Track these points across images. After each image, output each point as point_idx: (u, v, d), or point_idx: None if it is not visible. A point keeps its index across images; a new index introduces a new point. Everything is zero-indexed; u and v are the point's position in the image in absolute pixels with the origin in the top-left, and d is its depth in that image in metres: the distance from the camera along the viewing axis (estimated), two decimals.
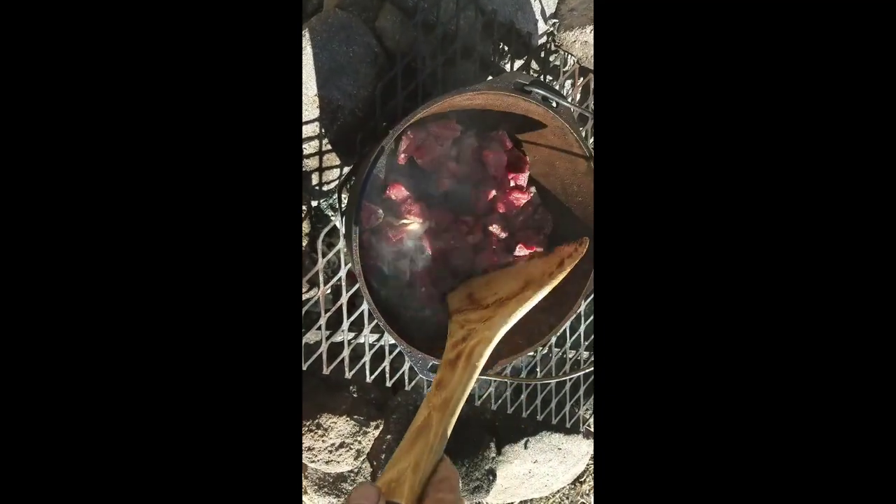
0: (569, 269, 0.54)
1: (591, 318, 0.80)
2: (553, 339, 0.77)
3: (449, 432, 0.39)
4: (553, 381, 0.80)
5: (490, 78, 0.68)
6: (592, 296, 0.80)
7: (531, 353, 0.77)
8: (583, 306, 0.78)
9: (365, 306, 0.67)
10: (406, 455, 0.36)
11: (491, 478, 0.80)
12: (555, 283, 0.54)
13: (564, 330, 0.78)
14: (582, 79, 0.75)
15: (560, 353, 0.79)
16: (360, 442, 0.70)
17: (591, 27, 0.73)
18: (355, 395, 0.72)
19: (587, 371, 0.76)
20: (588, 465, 1.07)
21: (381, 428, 0.73)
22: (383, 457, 0.73)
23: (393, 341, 0.69)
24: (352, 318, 0.66)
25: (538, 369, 0.80)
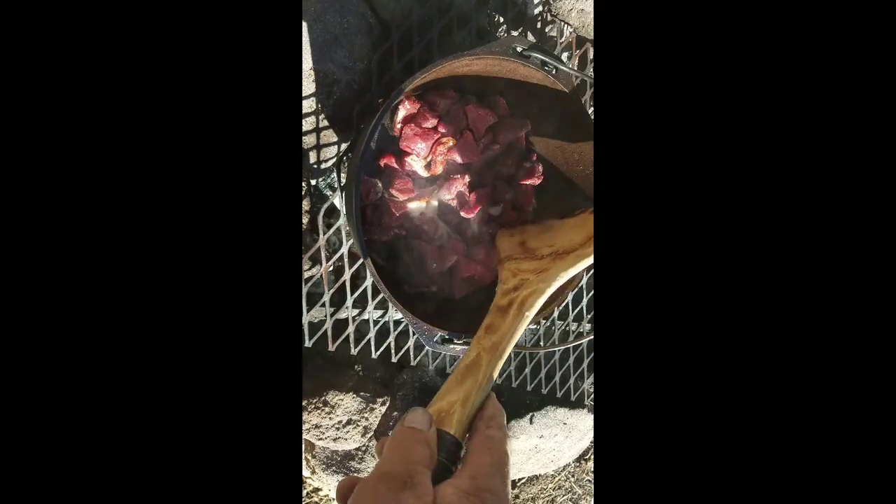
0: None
1: (592, 292, 0.80)
2: (556, 312, 0.77)
3: (496, 374, 0.39)
4: (557, 354, 0.80)
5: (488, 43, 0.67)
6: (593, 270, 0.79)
7: (534, 326, 0.77)
8: (584, 279, 0.78)
9: (368, 281, 0.66)
10: (456, 389, 0.36)
11: None
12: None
13: (567, 303, 0.78)
14: (579, 49, 0.74)
15: (563, 326, 0.79)
16: (366, 419, 0.70)
17: None
18: (361, 373, 0.72)
19: (589, 339, 0.75)
20: (592, 441, 1.08)
21: (387, 404, 0.73)
22: (390, 433, 0.73)
23: (397, 317, 0.69)
24: (355, 295, 0.66)
25: (542, 342, 0.80)
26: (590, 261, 0.49)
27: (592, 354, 0.84)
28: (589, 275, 0.79)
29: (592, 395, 0.88)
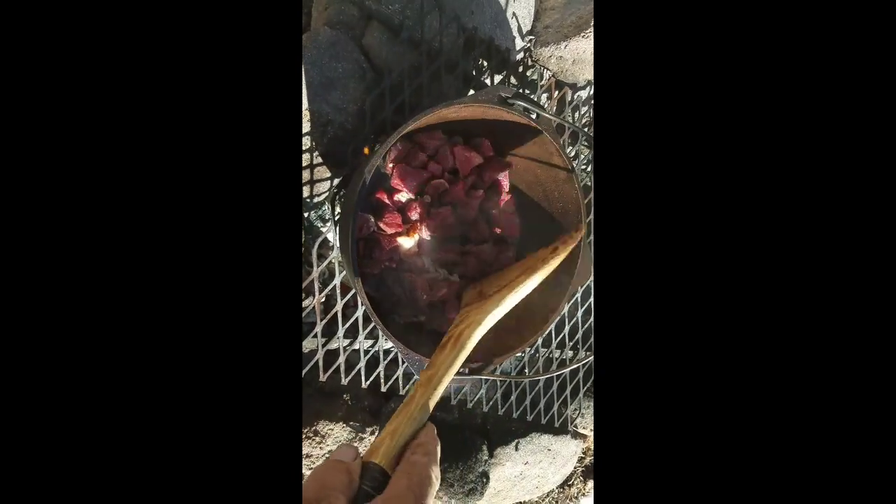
0: (563, 256, 0.57)
1: (574, 319, 0.83)
2: (539, 340, 0.80)
3: (431, 406, 0.41)
4: (541, 381, 0.83)
5: (474, 91, 0.72)
6: (576, 296, 0.83)
7: (519, 354, 0.80)
8: (566, 308, 0.81)
9: (359, 312, 0.68)
10: (388, 425, 0.38)
11: (484, 480, 0.81)
12: (549, 269, 0.57)
13: (550, 331, 0.81)
14: (558, 92, 0.79)
15: (547, 353, 0.82)
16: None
17: (565, 43, 0.77)
18: (350, 403, 0.73)
19: (572, 368, 0.78)
20: (575, 467, 1.09)
21: (376, 434, 0.74)
22: None
23: (387, 347, 0.71)
24: (346, 326, 0.68)
25: (526, 370, 0.83)
26: (526, 289, 0.55)
27: (576, 381, 0.87)
28: (571, 303, 0.82)
29: (575, 422, 0.91)
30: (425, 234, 0.65)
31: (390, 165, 0.64)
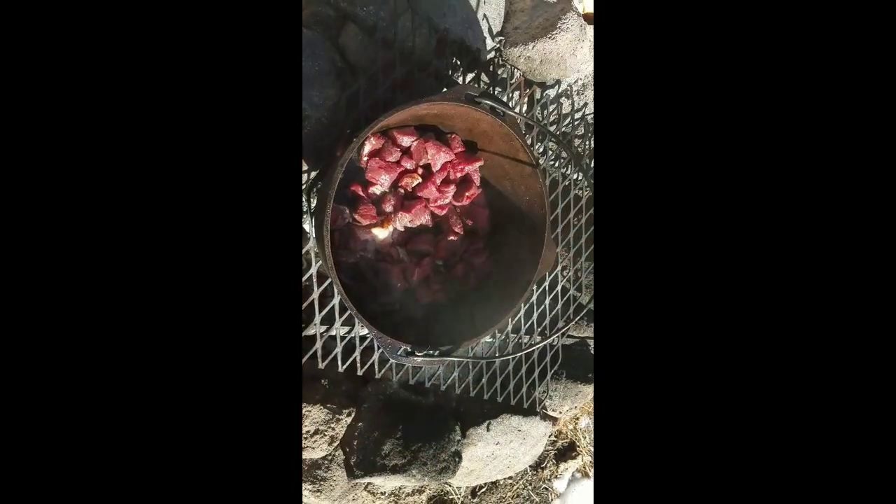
0: None
1: (542, 306, 0.88)
2: (510, 325, 0.84)
3: None
4: (511, 364, 0.87)
5: (445, 90, 0.75)
6: (544, 284, 0.88)
7: (490, 339, 0.84)
8: (535, 295, 0.86)
9: (336, 300, 0.71)
10: None
11: (457, 459, 0.86)
12: None
13: (520, 317, 0.85)
14: (527, 90, 0.83)
15: (517, 339, 0.86)
16: (333, 429, 0.75)
17: (533, 44, 0.81)
18: (327, 387, 0.77)
19: (539, 347, 0.83)
20: (547, 449, 1.15)
21: (353, 415, 0.78)
22: (355, 443, 0.78)
23: (363, 334, 0.75)
24: (323, 313, 0.71)
25: (497, 354, 0.87)
26: None
27: (543, 364, 0.92)
28: (539, 290, 0.87)
29: (543, 403, 0.96)
30: (399, 225, 0.69)
31: (365, 159, 0.67)
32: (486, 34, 0.82)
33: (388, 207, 0.68)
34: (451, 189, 0.70)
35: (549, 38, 0.81)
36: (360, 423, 0.78)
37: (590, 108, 0.95)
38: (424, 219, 0.69)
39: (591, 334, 1.05)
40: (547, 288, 0.88)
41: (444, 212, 0.70)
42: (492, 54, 0.83)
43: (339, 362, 0.72)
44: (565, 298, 0.91)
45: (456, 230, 0.70)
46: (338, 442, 0.77)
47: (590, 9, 0.97)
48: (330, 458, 0.78)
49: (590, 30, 0.89)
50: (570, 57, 0.84)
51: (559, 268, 0.89)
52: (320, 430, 0.74)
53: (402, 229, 0.69)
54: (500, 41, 0.84)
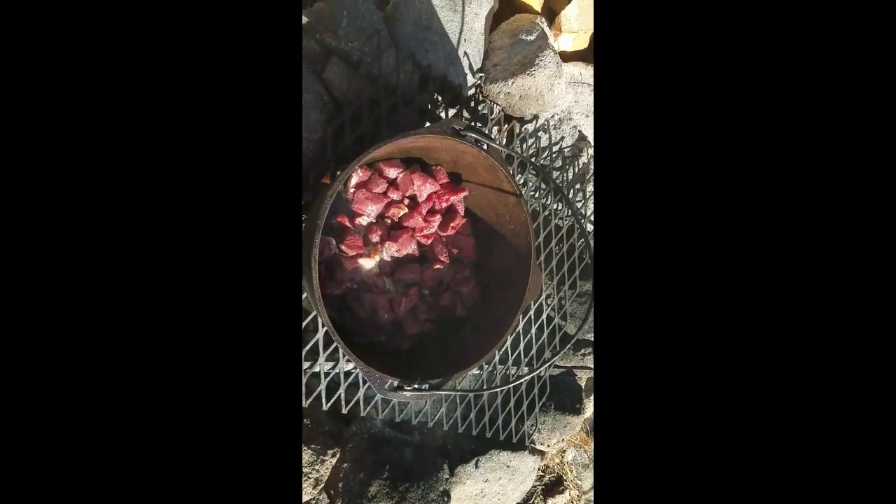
0: None
1: (528, 336, 0.87)
2: (497, 356, 0.83)
3: None
4: (499, 398, 0.86)
5: (429, 124, 0.77)
6: (529, 313, 0.88)
7: (478, 371, 0.83)
8: (521, 325, 0.86)
9: (319, 335, 0.69)
10: None
11: (446, 499, 0.82)
12: None
13: (506, 348, 0.84)
14: (507, 125, 0.86)
15: (504, 370, 0.85)
16: (318, 471, 0.71)
17: (512, 80, 0.84)
18: (310, 426, 0.74)
19: (527, 379, 0.82)
20: (535, 485, 1.12)
21: (337, 456, 0.74)
22: (340, 486, 0.74)
23: (347, 369, 0.72)
24: (306, 348, 0.68)
25: (484, 386, 0.86)
26: None
27: (531, 396, 0.91)
28: (525, 320, 0.87)
29: (531, 437, 0.94)
30: (386, 255, 0.68)
31: (352, 190, 0.67)
32: (466, 70, 0.85)
33: (375, 237, 0.67)
34: (437, 219, 0.70)
35: (528, 74, 0.84)
36: (344, 465, 0.74)
37: (567, 142, 0.99)
38: (411, 248, 0.69)
39: (578, 364, 1.04)
40: (532, 317, 0.88)
41: (431, 241, 0.70)
42: (472, 90, 0.86)
43: (324, 400, 0.70)
44: (551, 327, 0.91)
45: (442, 259, 0.70)
46: (322, 485, 0.73)
47: (565, 47, 1.02)
48: (314, 501, 0.74)
49: (566, 66, 0.93)
50: (547, 92, 0.87)
51: (543, 296, 0.89)
52: (304, 473, 0.70)
53: (389, 259, 0.69)
54: (481, 77, 0.87)
